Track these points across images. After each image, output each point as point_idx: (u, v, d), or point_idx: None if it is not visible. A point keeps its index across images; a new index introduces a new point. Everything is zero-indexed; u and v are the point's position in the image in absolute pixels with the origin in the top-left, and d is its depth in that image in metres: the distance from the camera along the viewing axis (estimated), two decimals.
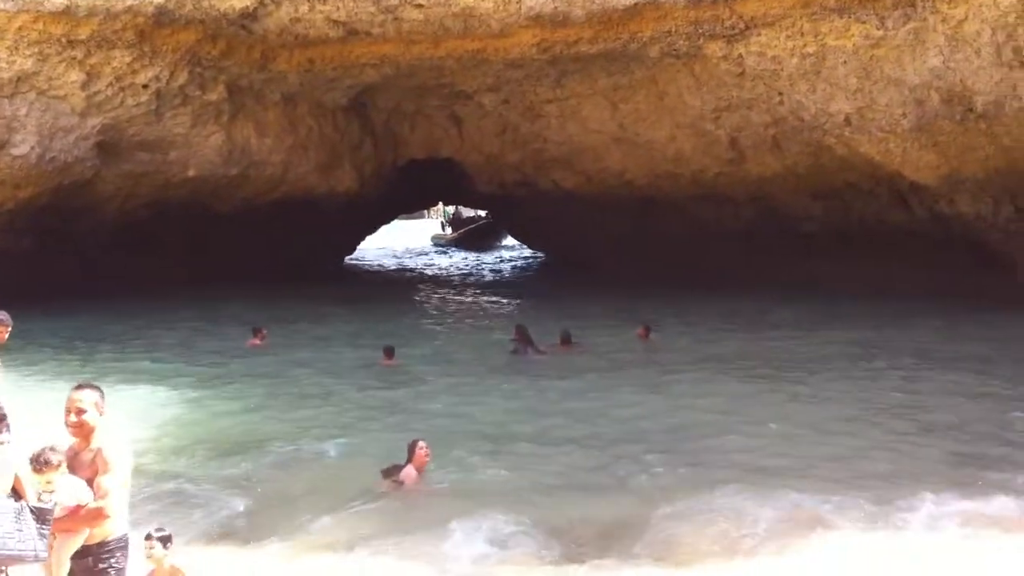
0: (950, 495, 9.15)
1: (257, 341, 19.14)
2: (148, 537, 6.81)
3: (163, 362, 17.47)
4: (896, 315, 21.02)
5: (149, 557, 6.73)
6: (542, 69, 24.56)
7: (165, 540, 6.85)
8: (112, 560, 5.25)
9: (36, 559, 4.92)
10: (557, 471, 10.59)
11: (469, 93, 27.18)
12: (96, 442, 5.35)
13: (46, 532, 4.94)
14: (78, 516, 5.20)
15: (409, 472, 9.90)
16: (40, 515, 4.96)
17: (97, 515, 5.21)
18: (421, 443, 10.11)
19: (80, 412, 5.32)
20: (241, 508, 9.34)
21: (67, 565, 5.26)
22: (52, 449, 5.33)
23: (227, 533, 8.73)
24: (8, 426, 9.23)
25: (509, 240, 49.85)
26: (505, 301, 28.63)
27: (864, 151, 21.68)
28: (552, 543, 8.37)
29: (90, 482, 5.27)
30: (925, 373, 15.22)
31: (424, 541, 8.31)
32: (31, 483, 5.14)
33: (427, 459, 10.06)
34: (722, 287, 26.66)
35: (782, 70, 20.84)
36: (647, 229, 31.40)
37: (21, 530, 4.86)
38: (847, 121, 21.10)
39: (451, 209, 58.13)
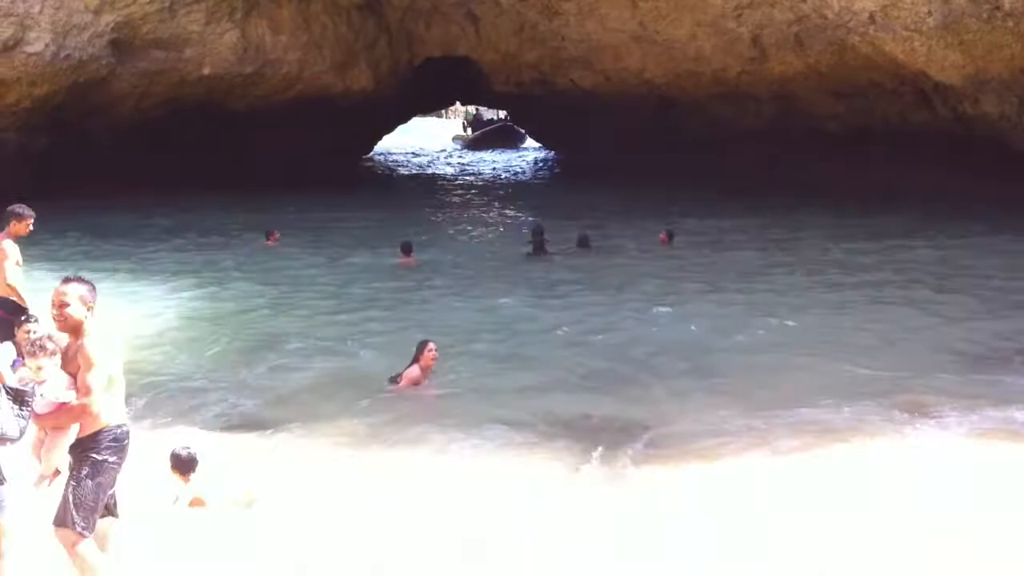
0: (968, 406, 8.96)
1: (270, 242, 19.19)
2: (172, 457, 6.87)
3: (175, 261, 17.57)
4: (919, 219, 20.74)
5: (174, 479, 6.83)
6: None
7: (189, 462, 6.86)
8: (96, 452, 5.24)
9: (2, 437, 4.91)
10: (566, 375, 10.58)
11: None
12: (83, 337, 5.30)
13: (25, 415, 4.91)
14: (62, 413, 5.22)
15: (412, 371, 9.89)
16: (17, 396, 4.94)
17: (81, 412, 5.21)
18: (431, 344, 9.98)
19: (63, 306, 5.24)
20: (248, 405, 9.45)
21: (59, 460, 5.27)
22: (49, 337, 5.34)
23: (233, 426, 8.87)
24: (35, 317, 9.45)
25: (529, 141, 49.56)
26: (523, 202, 28.53)
27: (888, 50, 21.20)
28: (553, 442, 8.41)
29: (75, 377, 5.30)
30: (952, 280, 14.92)
31: (428, 438, 8.38)
32: (9, 368, 5.13)
33: (434, 361, 9.97)
34: (744, 188, 26.36)
35: None
36: (667, 129, 31.00)
37: None
38: (871, 19, 20.58)
39: (472, 110, 57.70)
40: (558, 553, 6.14)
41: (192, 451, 6.94)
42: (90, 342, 5.23)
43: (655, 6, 25.14)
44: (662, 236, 19.10)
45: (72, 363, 5.27)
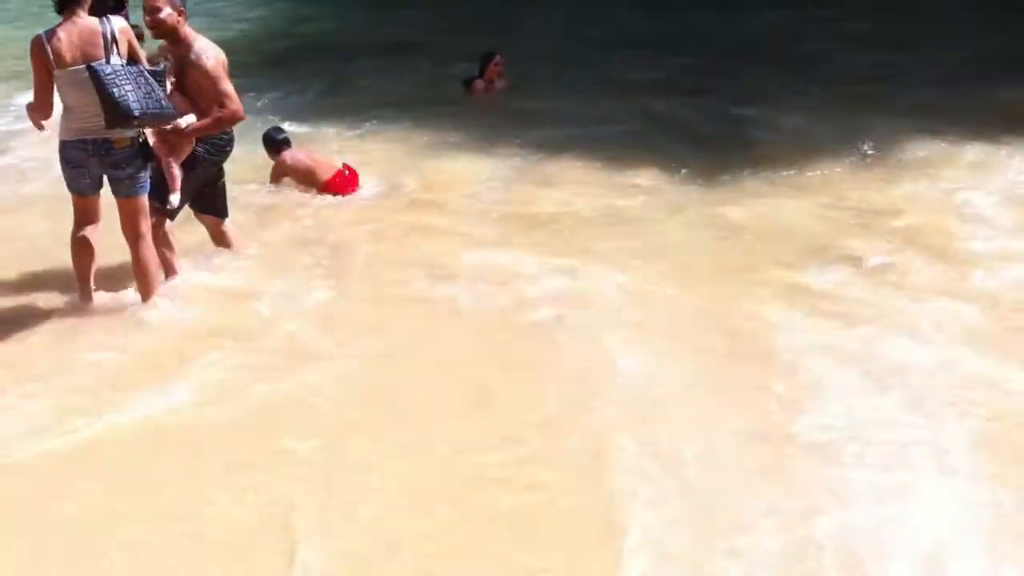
0: None
1: None
2: (264, 137, 7.50)
3: None
4: None
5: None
6: None
7: (282, 142, 7.46)
8: (213, 150, 5.59)
9: (176, 116, 5.06)
10: (655, 84, 10.31)
11: None
12: (185, 45, 5.39)
13: (166, 90, 5.09)
14: (215, 123, 5.41)
15: (477, 84, 9.98)
16: (157, 76, 5.04)
17: (234, 117, 5.47)
18: (496, 57, 9.96)
19: (155, 11, 5.30)
20: (323, 106, 9.66)
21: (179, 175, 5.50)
22: (166, 58, 5.35)
23: (311, 121, 9.16)
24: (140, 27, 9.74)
25: None
26: None
27: None
28: (638, 144, 8.33)
29: (188, 87, 5.40)
30: None
31: (489, 142, 8.43)
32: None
33: (498, 75, 9.96)
34: None
35: None
36: None
37: (152, 90, 4.93)
38: None
39: None
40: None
41: (284, 132, 7.58)
42: (201, 53, 5.36)
43: None
44: None
45: (176, 73, 5.39)
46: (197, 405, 4.36)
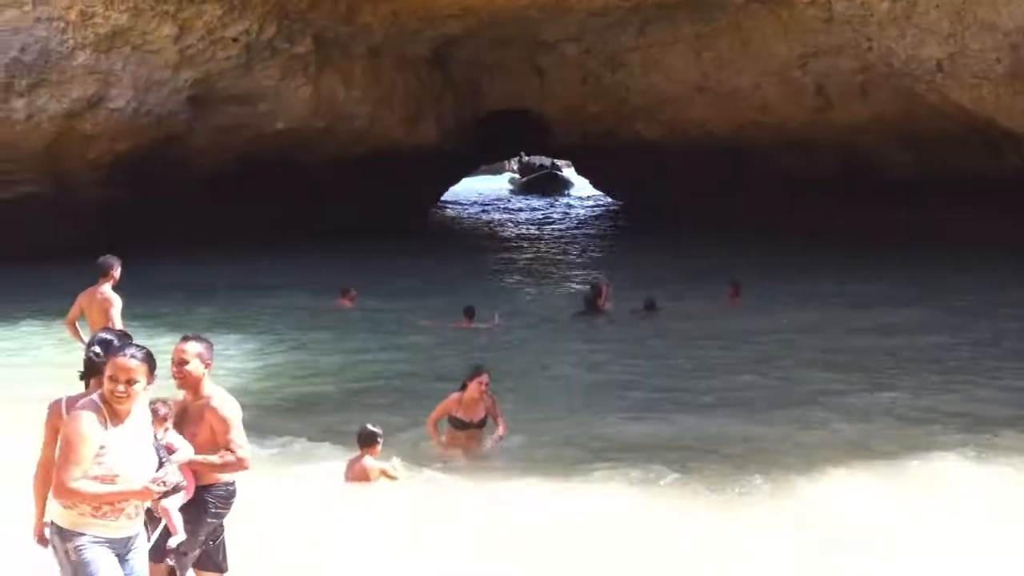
0: None
1: (346, 302, 19.28)
2: (369, 434, 8.56)
3: (250, 320, 17.71)
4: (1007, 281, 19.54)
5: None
6: (625, 18, 24.51)
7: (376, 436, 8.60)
8: (202, 505, 5.48)
9: (179, 486, 4.97)
10: (627, 440, 10.43)
11: (551, 43, 27.17)
12: (205, 396, 5.48)
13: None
14: (222, 466, 5.41)
15: (451, 397, 9.85)
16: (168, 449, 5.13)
17: (239, 466, 5.45)
18: (483, 376, 9.64)
19: (183, 363, 5.43)
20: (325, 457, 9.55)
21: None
22: (164, 402, 5.54)
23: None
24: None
25: (575, 187, 51.30)
26: (587, 254, 28.46)
27: (955, 98, 21.17)
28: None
29: (202, 435, 5.45)
30: None
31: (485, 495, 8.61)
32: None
33: (480, 393, 9.67)
34: (812, 241, 25.81)
35: (871, 15, 20.45)
36: (731, 180, 30.95)
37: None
38: (938, 67, 20.64)
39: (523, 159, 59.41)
40: None
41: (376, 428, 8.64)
42: (220, 401, 5.49)
43: (718, 56, 25.41)
44: (730, 292, 18.06)
45: (198, 421, 5.49)
46: None
